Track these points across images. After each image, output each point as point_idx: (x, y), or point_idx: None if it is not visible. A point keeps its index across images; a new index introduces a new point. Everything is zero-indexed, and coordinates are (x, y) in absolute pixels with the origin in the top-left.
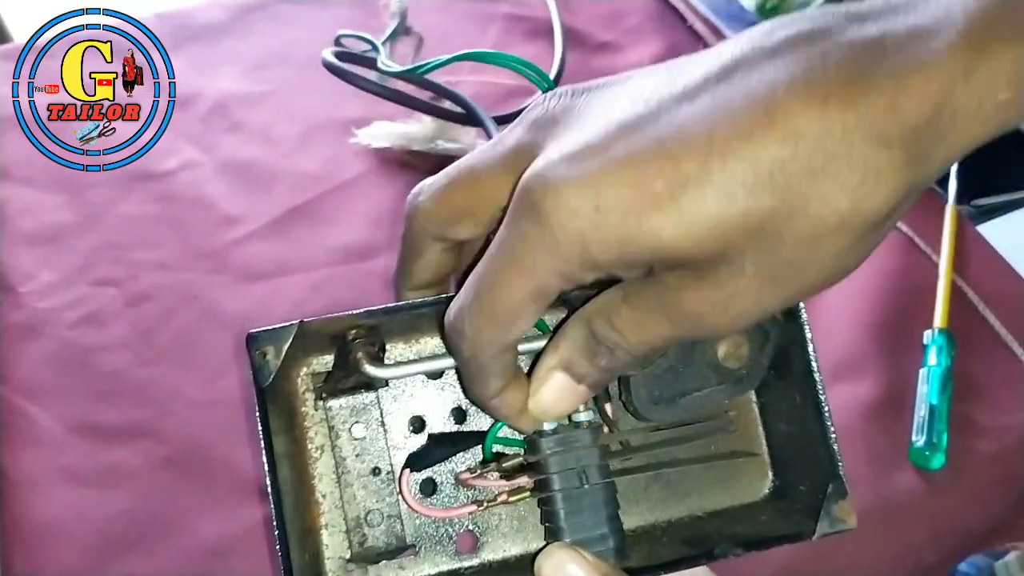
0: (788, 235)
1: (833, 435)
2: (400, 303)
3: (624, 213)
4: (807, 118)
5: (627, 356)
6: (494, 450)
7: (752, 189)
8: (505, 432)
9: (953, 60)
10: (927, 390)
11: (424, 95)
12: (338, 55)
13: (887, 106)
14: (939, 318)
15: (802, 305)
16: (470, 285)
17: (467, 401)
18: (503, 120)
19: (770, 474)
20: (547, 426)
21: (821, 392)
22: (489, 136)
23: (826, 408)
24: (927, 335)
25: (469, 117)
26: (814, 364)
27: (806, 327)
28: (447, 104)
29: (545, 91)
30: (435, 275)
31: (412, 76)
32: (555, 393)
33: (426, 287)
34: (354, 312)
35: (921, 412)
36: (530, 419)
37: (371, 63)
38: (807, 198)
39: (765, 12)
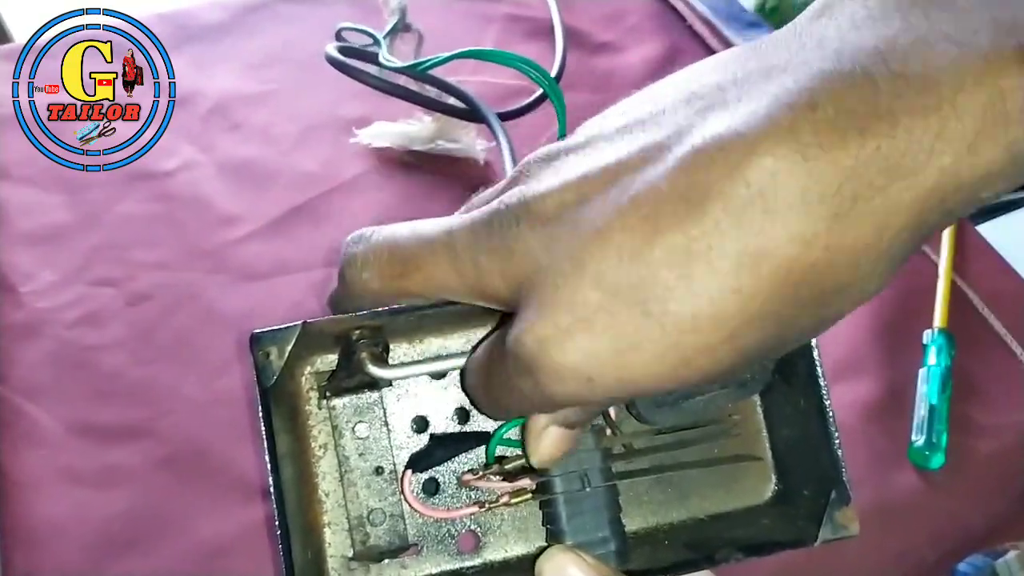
0: (775, 353)
1: (837, 440)
2: (404, 305)
3: (614, 379)
4: (794, 257)
5: (615, 402)
6: (496, 452)
7: (740, 337)
8: (510, 435)
9: (949, 166)
10: (927, 390)
11: (426, 92)
12: (340, 50)
13: (878, 236)
14: (939, 318)
15: None
16: (479, 379)
17: (470, 401)
18: (506, 117)
19: (773, 478)
20: None
21: (826, 397)
22: (492, 132)
23: (830, 413)
24: (927, 335)
25: (472, 113)
26: (819, 369)
27: None
28: (450, 100)
29: (546, 88)
30: None
31: (414, 72)
32: (553, 446)
33: None
34: (358, 313)
35: (921, 412)
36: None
37: (373, 58)
38: (796, 327)
39: (765, 12)
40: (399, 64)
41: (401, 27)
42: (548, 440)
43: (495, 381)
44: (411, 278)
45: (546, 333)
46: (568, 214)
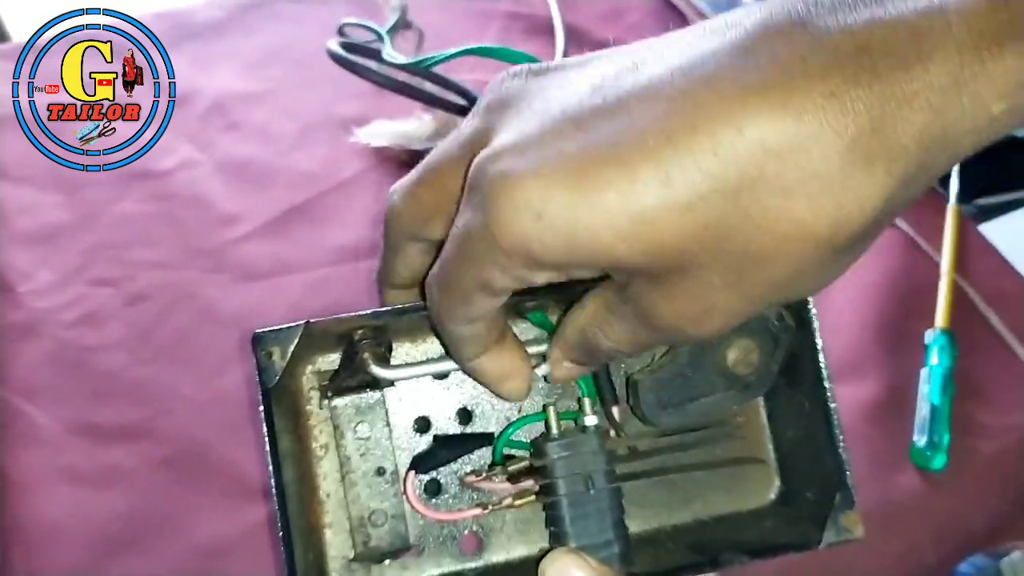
0: (751, 249)
1: (842, 443)
2: (407, 304)
3: (567, 221)
4: (780, 131)
5: (625, 352)
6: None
7: (710, 205)
8: (518, 436)
9: (945, 69)
10: (928, 390)
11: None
12: (344, 46)
13: (873, 124)
14: (940, 318)
15: (814, 312)
16: (436, 270)
17: (473, 402)
18: None
19: (776, 481)
20: (553, 430)
21: (831, 400)
22: None
23: (835, 416)
24: (928, 335)
25: None
26: (824, 372)
27: (817, 334)
28: (452, 97)
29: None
30: (415, 274)
31: (417, 68)
32: (567, 374)
33: (407, 286)
34: (361, 313)
35: (922, 412)
36: (510, 389)
37: (375, 55)
38: (775, 217)
39: None
40: (403, 60)
41: (402, 24)
42: (562, 369)
43: (451, 254)
44: (428, 185)
45: (508, 156)
46: (569, 72)
